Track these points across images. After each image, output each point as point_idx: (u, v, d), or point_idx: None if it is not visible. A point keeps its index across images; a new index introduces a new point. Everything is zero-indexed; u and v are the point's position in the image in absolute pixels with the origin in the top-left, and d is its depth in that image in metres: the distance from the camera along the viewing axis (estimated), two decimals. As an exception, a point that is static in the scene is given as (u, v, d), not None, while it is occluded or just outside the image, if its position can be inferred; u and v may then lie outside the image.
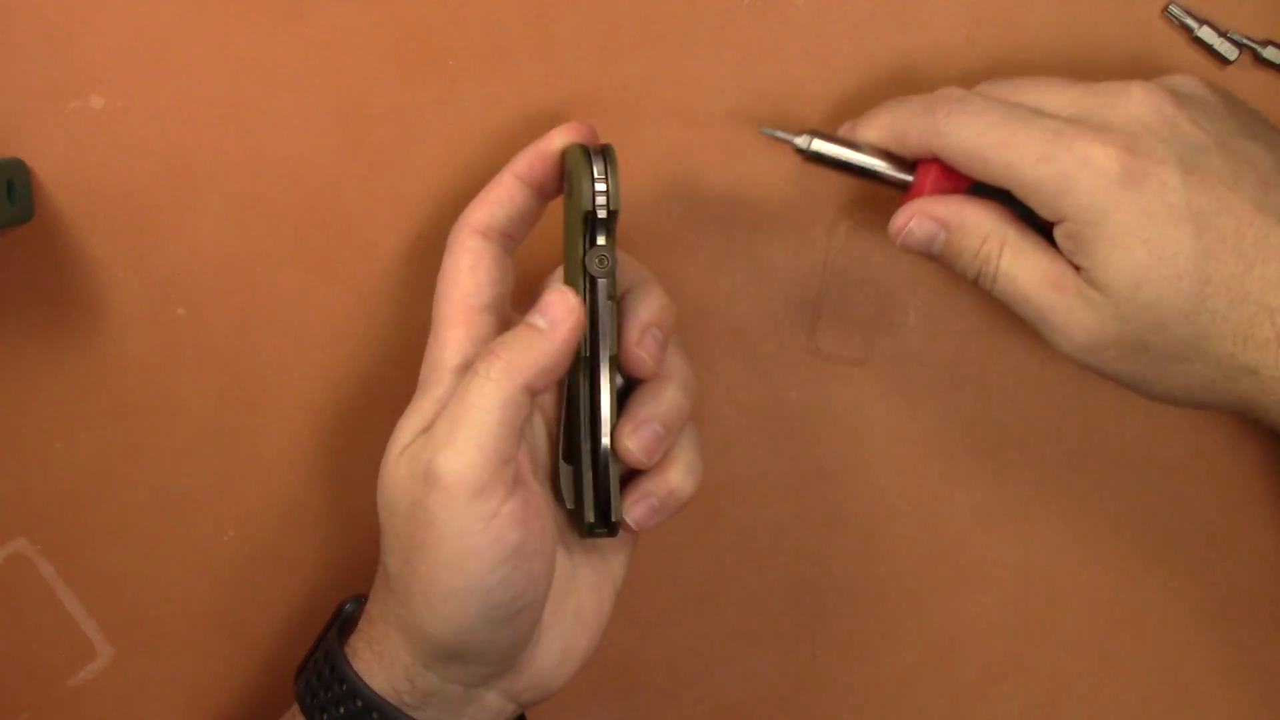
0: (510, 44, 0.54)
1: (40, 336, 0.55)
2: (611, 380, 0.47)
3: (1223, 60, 0.53)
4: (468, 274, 0.48)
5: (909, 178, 0.51)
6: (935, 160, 0.51)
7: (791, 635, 0.58)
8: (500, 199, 0.49)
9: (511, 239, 0.49)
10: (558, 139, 0.48)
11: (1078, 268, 0.46)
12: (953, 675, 0.58)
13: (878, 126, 0.49)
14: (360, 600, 0.51)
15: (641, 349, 0.47)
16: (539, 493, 0.46)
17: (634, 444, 0.47)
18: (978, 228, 0.47)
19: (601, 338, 0.47)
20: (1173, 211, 0.44)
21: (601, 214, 0.46)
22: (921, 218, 0.48)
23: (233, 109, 0.54)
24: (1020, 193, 0.46)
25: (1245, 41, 0.53)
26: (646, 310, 0.48)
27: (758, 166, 0.55)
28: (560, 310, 0.45)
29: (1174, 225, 0.44)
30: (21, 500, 0.56)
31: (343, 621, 0.50)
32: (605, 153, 0.47)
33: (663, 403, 0.48)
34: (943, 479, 0.57)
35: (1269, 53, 0.53)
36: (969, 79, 0.54)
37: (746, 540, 0.57)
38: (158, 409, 0.55)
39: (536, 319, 0.45)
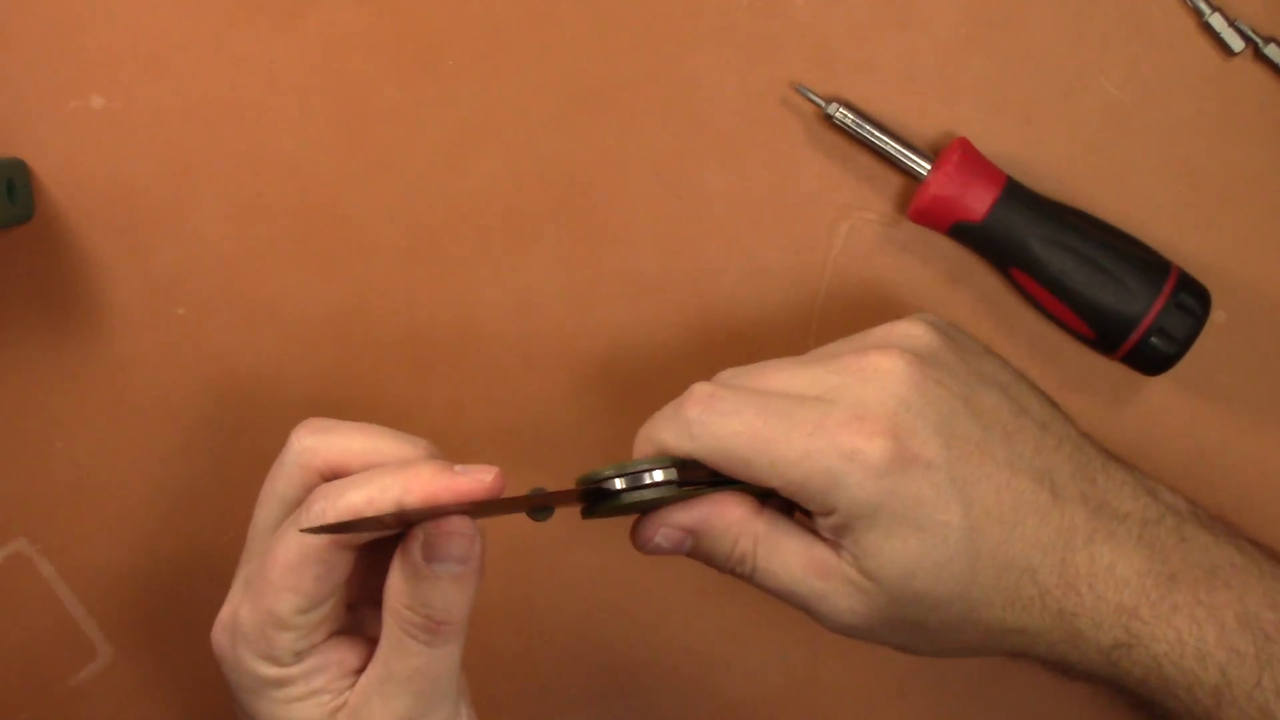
0: (510, 44, 0.54)
1: (40, 336, 0.55)
2: None
3: (1227, 51, 0.53)
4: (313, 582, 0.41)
5: (925, 165, 0.52)
6: (956, 147, 0.51)
7: (791, 635, 0.57)
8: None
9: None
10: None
11: (840, 547, 0.44)
12: (953, 675, 0.58)
13: (639, 442, 0.46)
14: None
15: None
16: None
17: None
18: (725, 531, 0.45)
19: None
20: (940, 492, 0.43)
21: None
22: (667, 529, 0.45)
23: (233, 109, 0.54)
24: (786, 491, 0.44)
25: (1252, 34, 0.53)
26: None
27: (758, 167, 0.55)
28: None
29: (943, 508, 0.43)
30: (21, 500, 0.56)
31: None
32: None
33: None
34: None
35: (1270, 50, 0.53)
36: (969, 78, 0.54)
37: (746, 540, 0.57)
38: (158, 409, 0.55)
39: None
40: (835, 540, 0.44)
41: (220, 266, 0.55)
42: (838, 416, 0.43)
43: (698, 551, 0.46)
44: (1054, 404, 0.47)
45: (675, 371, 0.56)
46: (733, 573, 0.46)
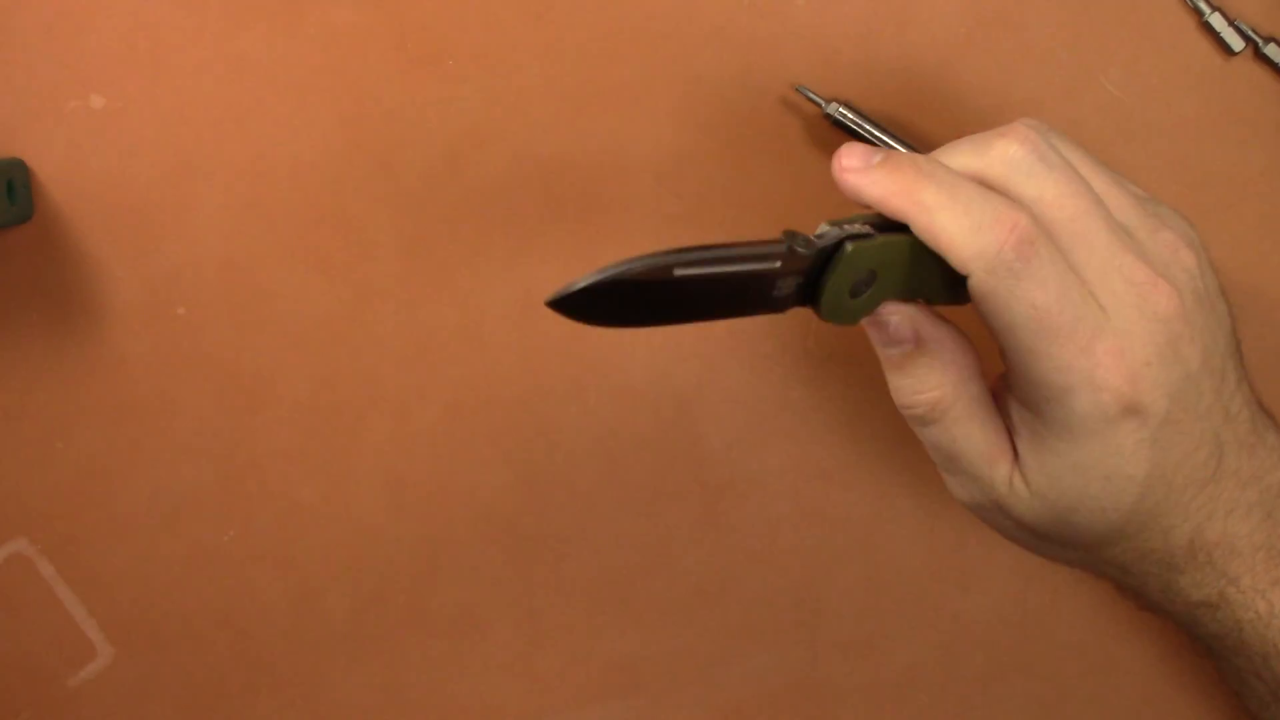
0: (510, 44, 0.54)
1: (40, 336, 0.55)
2: None
3: (1228, 51, 0.53)
4: None
5: None
6: None
7: (791, 635, 0.57)
8: None
9: None
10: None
11: (1017, 453, 0.45)
12: (953, 675, 0.58)
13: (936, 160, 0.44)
14: None
15: None
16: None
17: None
18: (949, 366, 0.45)
19: None
20: (1138, 449, 0.43)
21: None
22: (902, 319, 0.44)
23: (233, 109, 0.54)
24: (1025, 373, 0.43)
25: (1252, 34, 0.53)
26: None
27: (758, 167, 0.55)
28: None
29: (1133, 464, 0.43)
30: (21, 500, 0.56)
31: None
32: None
33: None
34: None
35: (1270, 50, 0.53)
36: (969, 78, 0.54)
37: (746, 540, 0.57)
38: (158, 409, 0.55)
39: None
40: (1019, 442, 0.45)
41: (220, 266, 0.55)
42: (1106, 344, 0.42)
43: (904, 363, 0.45)
44: (1240, 354, 0.47)
45: (674, 370, 0.56)
46: (914, 411, 0.45)
